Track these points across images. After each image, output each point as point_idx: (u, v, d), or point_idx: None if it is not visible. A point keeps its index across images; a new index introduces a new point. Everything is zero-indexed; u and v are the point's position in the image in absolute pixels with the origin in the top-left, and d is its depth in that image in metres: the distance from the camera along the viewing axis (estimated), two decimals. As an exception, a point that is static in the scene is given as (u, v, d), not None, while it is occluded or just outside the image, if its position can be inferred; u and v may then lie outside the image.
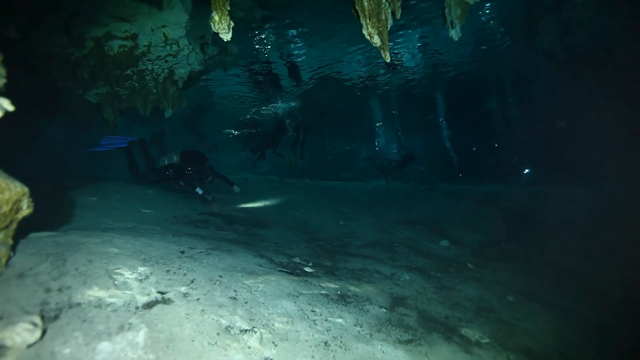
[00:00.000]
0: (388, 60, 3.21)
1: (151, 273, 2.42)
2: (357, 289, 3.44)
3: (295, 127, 12.32)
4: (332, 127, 21.86)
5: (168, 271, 2.52)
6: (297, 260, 4.04)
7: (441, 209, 8.25)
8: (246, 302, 2.49)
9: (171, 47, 5.07)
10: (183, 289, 2.36)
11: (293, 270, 3.58)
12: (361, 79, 15.53)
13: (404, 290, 3.67)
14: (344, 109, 19.83)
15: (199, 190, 6.41)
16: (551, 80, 11.23)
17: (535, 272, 4.76)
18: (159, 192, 6.19)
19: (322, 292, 3.18)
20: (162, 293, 2.24)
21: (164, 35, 4.78)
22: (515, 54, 11.63)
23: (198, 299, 2.30)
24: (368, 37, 3.00)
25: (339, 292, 3.26)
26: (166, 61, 5.33)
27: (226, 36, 3.08)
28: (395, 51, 11.99)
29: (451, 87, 17.09)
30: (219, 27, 2.97)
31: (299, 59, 12.26)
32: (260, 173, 19.44)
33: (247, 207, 6.80)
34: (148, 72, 5.32)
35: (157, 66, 5.32)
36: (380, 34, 3.18)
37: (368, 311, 3.02)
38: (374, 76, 15.25)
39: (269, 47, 10.62)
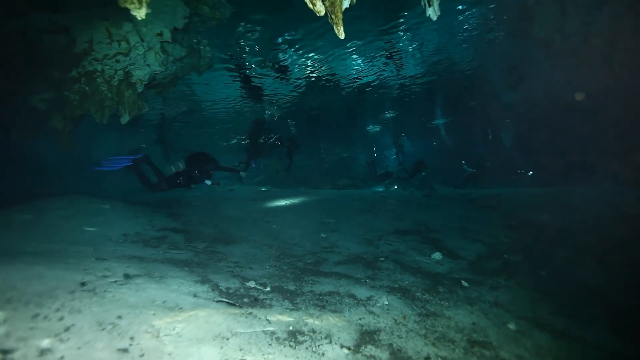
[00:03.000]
0: (342, 37, 2.59)
1: (5, 320, 1.77)
2: (316, 322, 2.76)
3: (282, 141, 11.89)
4: (329, 134, 21.29)
5: (36, 315, 1.87)
6: (251, 284, 3.37)
7: (437, 216, 7.53)
8: (142, 355, 1.83)
9: (119, 45, 4.53)
10: (45, 342, 1.71)
11: (239, 300, 2.92)
12: (358, 82, 14.98)
13: (378, 320, 2.98)
14: (341, 114, 19.29)
15: (208, 182, 6.99)
16: (549, 73, 10.57)
17: (544, 289, 4.03)
18: (118, 206, 5.59)
19: (268, 328, 2.51)
20: (4, 352, 1.59)
21: (107, 30, 4.26)
22: (511, 47, 11.02)
23: (61, 358, 1.64)
24: (310, 5, 2.40)
25: (290, 328, 2.58)
26: (117, 61, 4.79)
27: (138, 13, 2.50)
28: (396, 46, 11.40)
29: (452, 87, 16.49)
30: (126, 1, 2.39)
31: (290, 62, 11.77)
32: (254, 183, 18.87)
33: (218, 221, 6.17)
34: (98, 73, 4.78)
35: (108, 67, 4.78)
36: (332, 4, 2.58)
37: (324, 354, 2.34)
38: (373, 78, 14.66)
39: (252, 49, 10.12)
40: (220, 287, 3.09)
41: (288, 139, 11.85)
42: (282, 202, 8.55)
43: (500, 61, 13.36)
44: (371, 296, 3.50)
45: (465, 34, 10.80)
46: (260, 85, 13.62)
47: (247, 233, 5.67)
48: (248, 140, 11.85)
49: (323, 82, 14.35)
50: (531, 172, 13.82)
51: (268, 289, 3.36)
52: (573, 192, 9.20)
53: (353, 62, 12.72)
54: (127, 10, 4.44)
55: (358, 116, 20.70)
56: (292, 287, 3.50)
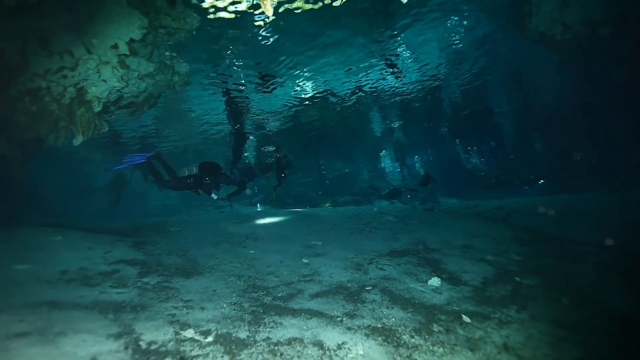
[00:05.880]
0: (270, 14, 2.01)
1: None
2: (255, 391, 2.04)
3: (271, 163, 11.48)
4: (329, 149, 20.75)
5: None
6: (188, 333, 2.68)
7: (439, 233, 6.73)
8: None
9: (62, 58, 4.10)
10: None
11: (157, 361, 2.23)
12: (357, 94, 14.51)
13: (344, 382, 2.24)
14: (341, 128, 18.80)
15: (214, 196, 7.21)
16: (552, 72, 9.86)
17: (566, 323, 3.21)
18: (72, 237, 5.02)
19: (179, 409, 1.80)
20: None
21: (41, 40, 3.81)
22: (511, 46, 10.45)
23: None
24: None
25: (213, 405, 1.87)
26: (64, 76, 4.35)
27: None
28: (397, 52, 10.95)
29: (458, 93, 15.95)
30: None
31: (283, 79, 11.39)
32: (251, 203, 18.32)
33: (189, 248, 5.52)
34: (44, 91, 4.34)
35: (54, 83, 4.34)
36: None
37: None
38: (373, 89, 14.18)
39: (237, 62, 9.72)
40: (140, 343, 2.41)
41: (276, 159, 11.38)
42: (268, 223, 7.89)
43: (501, 65, 12.81)
44: (344, 343, 2.76)
45: (459, 38, 10.35)
46: (242, 103, 13.22)
47: (218, 261, 5.00)
48: (232, 154, 11.36)
49: (318, 97, 13.95)
50: (542, 181, 12.87)
51: (210, 339, 2.66)
52: (593, 199, 8.32)
53: (349, 74, 12.29)
54: (64, 19, 4.02)
55: (359, 130, 20.19)
56: (243, 335, 2.79)
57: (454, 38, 10.14)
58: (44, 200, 15.56)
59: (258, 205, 16.48)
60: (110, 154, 18.40)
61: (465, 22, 9.10)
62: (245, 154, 16.26)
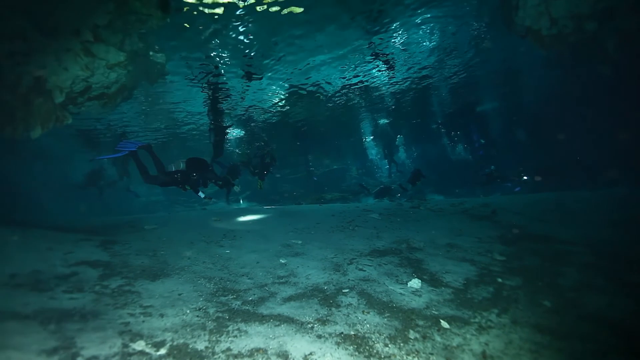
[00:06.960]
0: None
1: None
2: (202, 415, 1.81)
3: (258, 156, 11.24)
4: (317, 145, 20.49)
5: None
6: (138, 346, 2.42)
7: (423, 231, 6.58)
8: None
9: (11, 42, 3.77)
10: None
11: (93, 381, 1.98)
12: (345, 89, 14.27)
13: (305, 400, 2.03)
14: (329, 124, 18.56)
15: (201, 194, 7.11)
16: (540, 69, 9.81)
17: (548, 328, 3.07)
18: (32, 237, 4.69)
19: None
20: None
21: (-14, 21, 3.51)
22: (499, 43, 10.36)
23: None
24: None
25: None
26: (18, 63, 4.01)
27: None
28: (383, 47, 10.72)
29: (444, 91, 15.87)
30: None
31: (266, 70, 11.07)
32: (241, 200, 18.00)
33: (162, 247, 5.24)
34: (-5, 79, 4.01)
35: (6, 70, 4.00)
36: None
37: None
38: (362, 83, 13.94)
39: (223, 56, 9.35)
40: (79, 359, 2.15)
41: (259, 156, 11.12)
42: (249, 221, 7.63)
43: (490, 62, 12.73)
44: (311, 353, 2.55)
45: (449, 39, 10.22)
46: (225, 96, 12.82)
47: (190, 262, 4.73)
48: (214, 151, 11.04)
49: (304, 91, 13.67)
50: (526, 177, 12.87)
51: (162, 351, 2.41)
52: (579, 197, 8.28)
53: (337, 68, 12.04)
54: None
55: (347, 125, 19.98)
56: (201, 345, 2.55)
57: (444, 32, 9.99)
58: (24, 198, 14.94)
59: (241, 201, 16.23)
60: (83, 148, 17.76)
61: (453, 16, 8.95)
62: (232, 149, 15.89)
